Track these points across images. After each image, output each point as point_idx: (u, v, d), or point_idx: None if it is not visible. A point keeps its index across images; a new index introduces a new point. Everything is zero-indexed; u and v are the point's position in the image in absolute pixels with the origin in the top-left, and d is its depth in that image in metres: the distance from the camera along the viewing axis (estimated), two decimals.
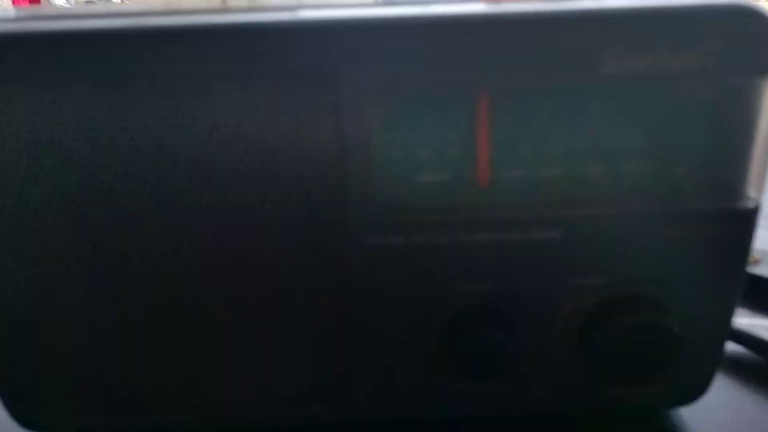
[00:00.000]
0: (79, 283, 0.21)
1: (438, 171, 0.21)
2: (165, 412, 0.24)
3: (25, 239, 0.21)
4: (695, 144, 0.20)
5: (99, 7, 0.22)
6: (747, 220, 0.21)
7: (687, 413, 0.25)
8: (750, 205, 0.21)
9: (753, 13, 0.19)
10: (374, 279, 0.22)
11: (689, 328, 0.22)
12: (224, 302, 0.22)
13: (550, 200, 0.21)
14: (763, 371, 0.28)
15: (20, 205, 0.20)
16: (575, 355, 0.23)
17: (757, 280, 0.34)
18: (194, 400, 0.24)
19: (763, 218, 0.24)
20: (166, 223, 0.21)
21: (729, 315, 0.23)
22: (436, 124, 0.20)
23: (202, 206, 0.21)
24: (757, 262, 0.35)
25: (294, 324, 0.23)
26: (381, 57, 0.20)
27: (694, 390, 0.24)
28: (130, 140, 0.20)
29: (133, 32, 0.19)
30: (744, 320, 0.30)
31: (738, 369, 0.28)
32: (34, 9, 0.23)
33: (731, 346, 0.29)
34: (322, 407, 0.24)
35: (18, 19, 0.20)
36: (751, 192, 0.21)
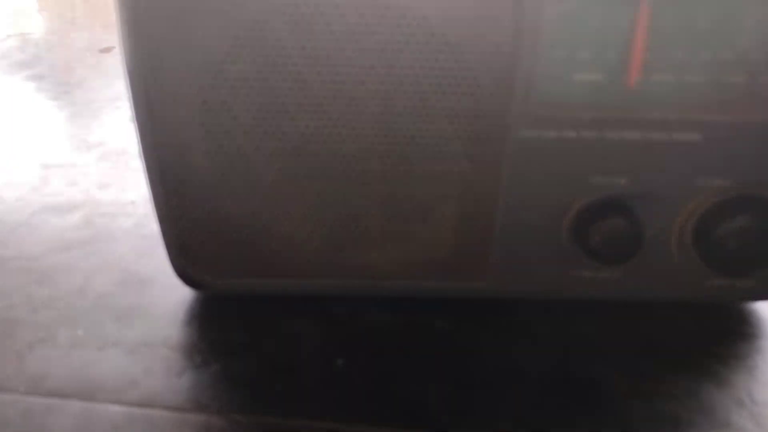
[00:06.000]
0: (261, 157, 0.24)
1: (594, 71, 0.23)
2: (313, 277, 0.27)
3: (217, 114, 0.23)
4: None
5: None
6: None
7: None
8: None
9: None
10: (523, 168, 0.24)
11: None
12: (384, 181, 0.24)
13: (694, 104, 0.23)
14: None
15: (217, 81, 0.22)
16: (688, 248, 0.26)
17: None
18: (343, 268, 0.27)
19: None
20: (344, 106, 0.23)
21: None
22: (601, 24, 0.22)
23: (380, 93, 0.23)
24: None
25: (443, 205, 0.25)
26: None
27: None
28: (326, 26, 0.21)
29: None
30: None
31: None
32: None
33: None
34: (453, 282, 0.27)
35: None
36: None
